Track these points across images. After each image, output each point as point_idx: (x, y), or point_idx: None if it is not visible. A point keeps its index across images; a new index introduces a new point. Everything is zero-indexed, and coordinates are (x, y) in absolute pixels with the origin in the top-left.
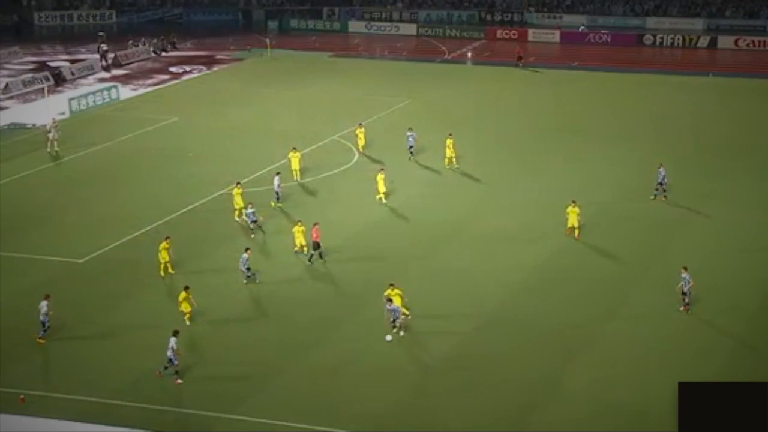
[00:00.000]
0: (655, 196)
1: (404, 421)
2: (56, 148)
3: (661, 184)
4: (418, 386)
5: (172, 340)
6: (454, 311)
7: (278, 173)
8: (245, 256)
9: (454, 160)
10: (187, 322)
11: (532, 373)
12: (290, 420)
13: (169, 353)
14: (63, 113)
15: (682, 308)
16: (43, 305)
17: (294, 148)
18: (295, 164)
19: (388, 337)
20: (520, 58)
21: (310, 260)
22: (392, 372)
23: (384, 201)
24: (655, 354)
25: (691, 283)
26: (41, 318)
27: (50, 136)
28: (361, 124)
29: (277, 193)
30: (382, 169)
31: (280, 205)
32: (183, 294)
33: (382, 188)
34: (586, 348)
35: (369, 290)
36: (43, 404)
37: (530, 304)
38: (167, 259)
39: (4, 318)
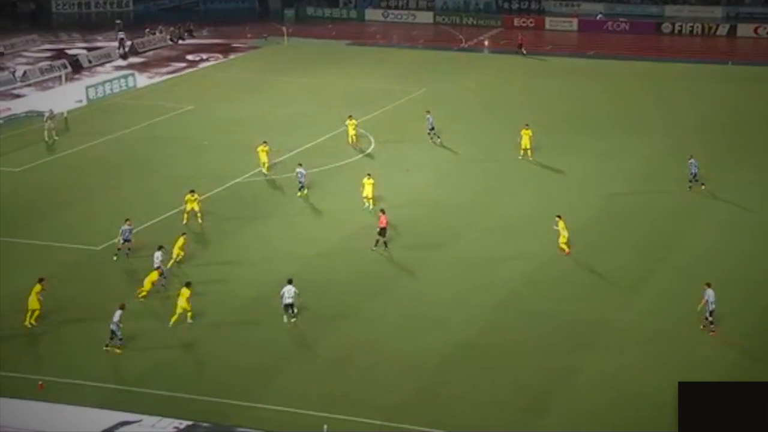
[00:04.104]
0: (691, 186)
1: (420, 410)
2: (55, 137)
3: (694, 175)
4: (433, 375)
5: (118, 314)
6: (469, 301)
7: (300, 164)
8: (291, 289)
9: (529, 152)
10: (189, 320)
11: (548, 362)
12: (306, 408)
13: (113, 326)
14: (80, 101)
15: (702, 327)
16: (117, 314)
17: (264, 142)
18: (264, 158)
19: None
20: (520, 46)
21: (384, 246)
22: (407, 361)
23: (371, 208)
24: (668, 345)
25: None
26: (112, 327)
27: (47, 125)
28: (351, 116)
29: (301, 182)
30: (369, 174)
31: (305, 193)
32: (185, 291)
33: (369, 193)
34: (600, 338)
35: (384, 279)
36: (62, 390)
37: (545, 294)
38: (37, 306)
39: (23, 305)
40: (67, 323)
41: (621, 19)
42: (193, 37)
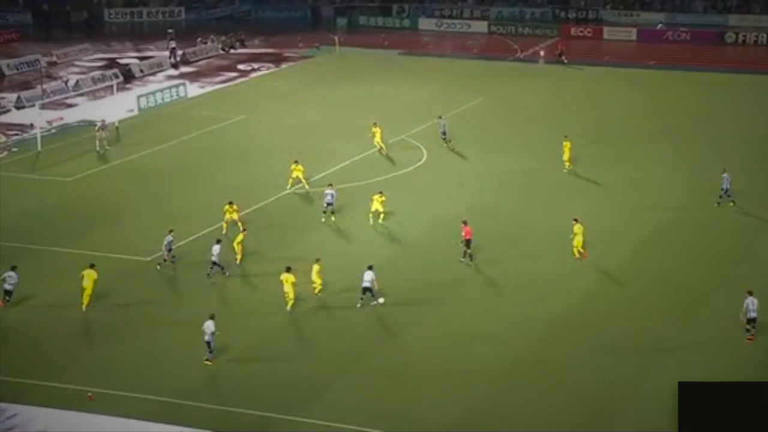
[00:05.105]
0: (719, 203)
1: (472, 428)
2: (107, 147)
3: (725, 190)
4: (487, 390)
5: (211, 324)
6: (523, 314)
7: (330, 184)
8: (370, 274)
9: (568, 163)
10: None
11: (606, 377)
12: (354, 423)
13: (208, 338)
14: (132, 110)
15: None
16: (210, 325)
17: (296, 161)
18: (299, 174)
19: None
20: (560, 54)
21: (470, 258)
22: (460, 375)
23: (380, 221)
24: (731, 360)
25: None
26: (206, 339)
27: (98, 135)
28: (375, 123)
29: (330, 204)
30: (381, 192)
31: (332, 218)
32: (289, 276)
33: (379, 208)
34: (660, 354)
35: (434, 291)
36: (110, 402)
37: (602, 309)
38: (90, 291)
39: (73, 315)
40: (116, 334)
41: (682, 29)
42: (244, 46)
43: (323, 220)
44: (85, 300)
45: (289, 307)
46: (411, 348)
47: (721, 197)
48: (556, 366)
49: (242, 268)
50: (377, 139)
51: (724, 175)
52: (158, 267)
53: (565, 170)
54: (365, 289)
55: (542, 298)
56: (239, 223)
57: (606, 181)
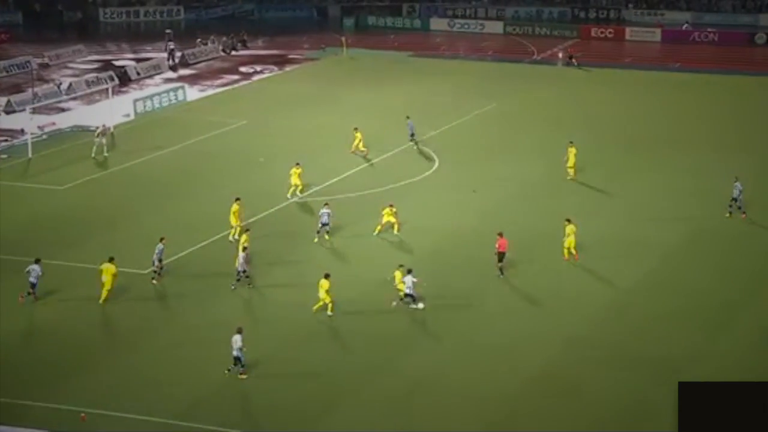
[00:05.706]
0: (730, 213)
1: None
2: (105, 154)
3: (735, 199)
4: (503, 410)
5: (239, 338)
6: (539, 331)
7: (326, 203)
8: (409, 279)
9: (572, 171)
10: (329, 312)
11: (625, 398)
12: None
13: (236, 353)
14: (127, 115)
15: None
16: (237, 339)
17: (297, 164)
18: (296, 180)
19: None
20: (571, 57)
21: (500, 272)
22: (476, 393)
23: (390, 232)
24: (762, 376)
25: None
26: (235, 353)
27: (97, 141)
28: (356, 128)
29: (325, 224)
30: (392, 205)
31: (327, 238)
32: (324, 282)
33: (389, 219)
34: (683, 369)
35: (450, 301)
36: (105, 423)
37: (623, 322)
38: (109, 286)
39: (67, 331)
40: (112, 352)
41: (709, 29)
42: (246, 47)
43: (316, 240)
44: (104, 294)
45: (329, 312)
46: (420, 367)
47: (731, 206)
48: (572, 385)
49: (253, 279)
50: (355, 143)
51: (736, 183)
52: (153, 282)
53: (569, 177)
54: (407, 295)
55: (561, 311)
56: (232, 230)
57: (621, 191)
